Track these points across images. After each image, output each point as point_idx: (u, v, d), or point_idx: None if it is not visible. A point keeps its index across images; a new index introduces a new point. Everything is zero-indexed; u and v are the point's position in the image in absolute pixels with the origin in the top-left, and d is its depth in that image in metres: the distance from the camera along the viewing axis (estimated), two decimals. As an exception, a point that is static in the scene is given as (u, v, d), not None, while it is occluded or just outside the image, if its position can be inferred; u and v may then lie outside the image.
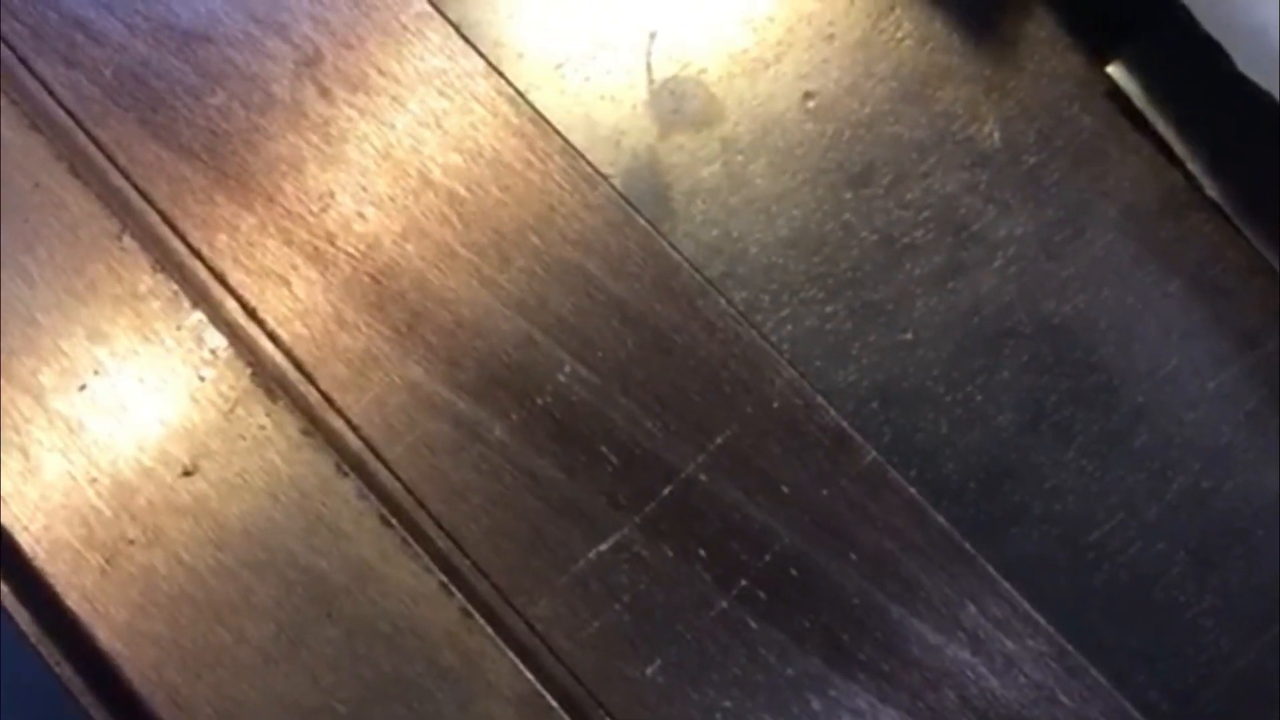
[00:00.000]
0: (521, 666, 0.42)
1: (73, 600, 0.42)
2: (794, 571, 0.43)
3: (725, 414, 0.44)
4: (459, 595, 0.42)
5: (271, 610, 0.42)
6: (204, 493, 0.43)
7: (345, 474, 0.43)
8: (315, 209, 0.45)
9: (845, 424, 0.43)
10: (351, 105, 0.46)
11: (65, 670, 0.41)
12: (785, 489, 0.44)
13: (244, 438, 0.43)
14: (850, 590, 0.43)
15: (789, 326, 0.48)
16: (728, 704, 0.42)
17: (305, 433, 0.43)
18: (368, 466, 0.43)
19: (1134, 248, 0.49)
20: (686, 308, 0.45)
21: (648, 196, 0.49)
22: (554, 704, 0.41)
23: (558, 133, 0.46)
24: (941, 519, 0.43)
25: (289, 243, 0.45)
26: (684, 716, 0.42)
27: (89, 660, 0.42)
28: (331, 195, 0.45)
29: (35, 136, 0.46)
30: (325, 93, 0.46)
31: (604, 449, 0.44)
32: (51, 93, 0.45)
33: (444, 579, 0.42)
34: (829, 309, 0.48)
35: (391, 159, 0.46)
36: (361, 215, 0.45)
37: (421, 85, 0.47)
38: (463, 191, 0.45)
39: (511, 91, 0.46)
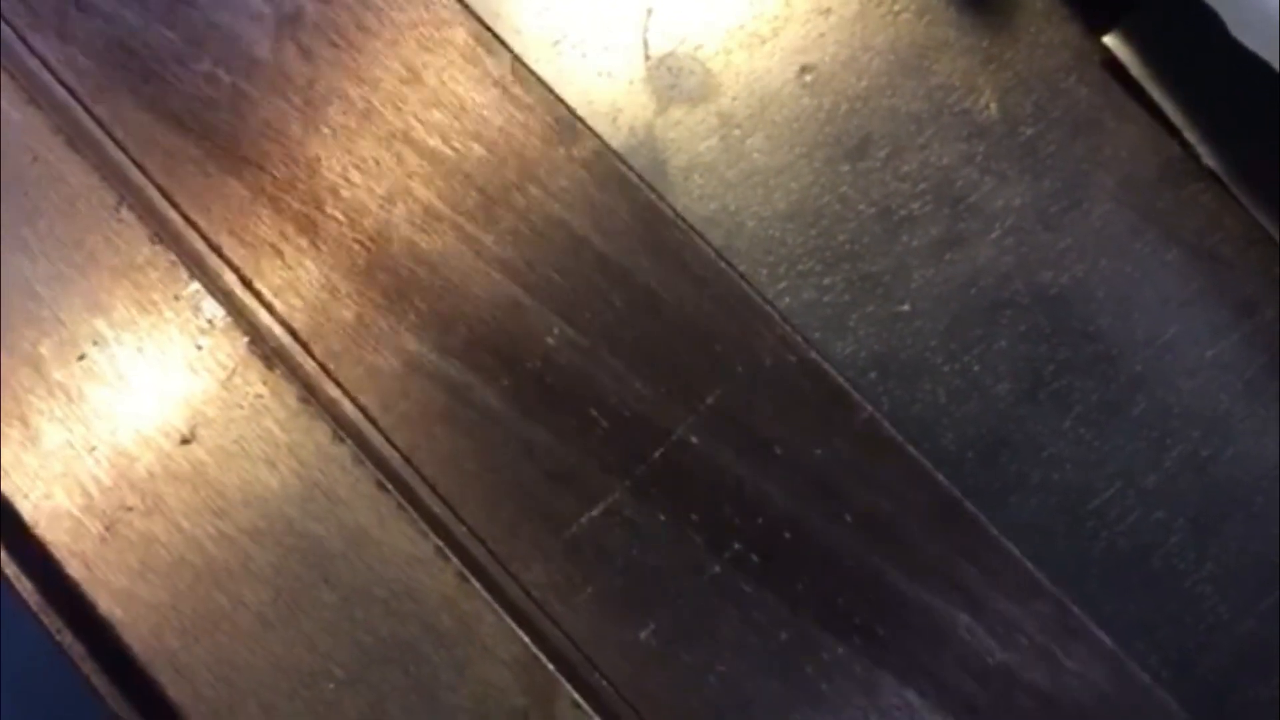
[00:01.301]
0: (517, 630, 0.42)
1: (73, 568, 0.43)
2: (787, 534, 0.43)
3: (716, 373, 0.44)
4: (455, 560, 0.42)
5: (269, 576, 0.42)
6: (202, 460, 0.43)
7: (342, 440, 0.43)
8: (303, 175, 0.45)
9: (840, 378, 0.43)
10: (333, 64, 0.46)
11: (66, 637, 0.42)
12: (778, 450, 0.44)
13: (241, 406, 0.44)
14: (844, 553, 0.43)
15: (787, 299, 0.48)
16: (722, 668, 0.42)
17: (302, 400, 0.44)
18: (364, 433, 0.44)
19: (1131, 217, 0.49)
20: (673, 262, 0.45)
21: (646, 171, 0.49)
22: (549, 666, 0.41)
23: (537, 78, 0.45)
24: (940, 476, 0.43)
25: (279, 211, 0.45)
26: (678, 679, 0.42)
27: (89, 627, 0.42)
28: (318, 160, 0.45)
29: (34, 111, 0.46)
30: (307, 53, 0.46)
31: (594, 412, 0.44)
32: (49, 68, 0.46)
33: (440, 544, 0.42)
34: (827, 281, 0.48)
35: (373, 119, 0.46)
36: (347, 179, 0.45)
37: (401, 38, 0.47)
38: (444, 149, 0.45)
39: (491, 39, 0.46)
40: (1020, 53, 0.50)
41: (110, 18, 0.47)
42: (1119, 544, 0.46)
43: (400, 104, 0.46)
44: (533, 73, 0.46)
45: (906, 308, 0.48)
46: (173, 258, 0.45)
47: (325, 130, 0.46)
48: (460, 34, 0.47)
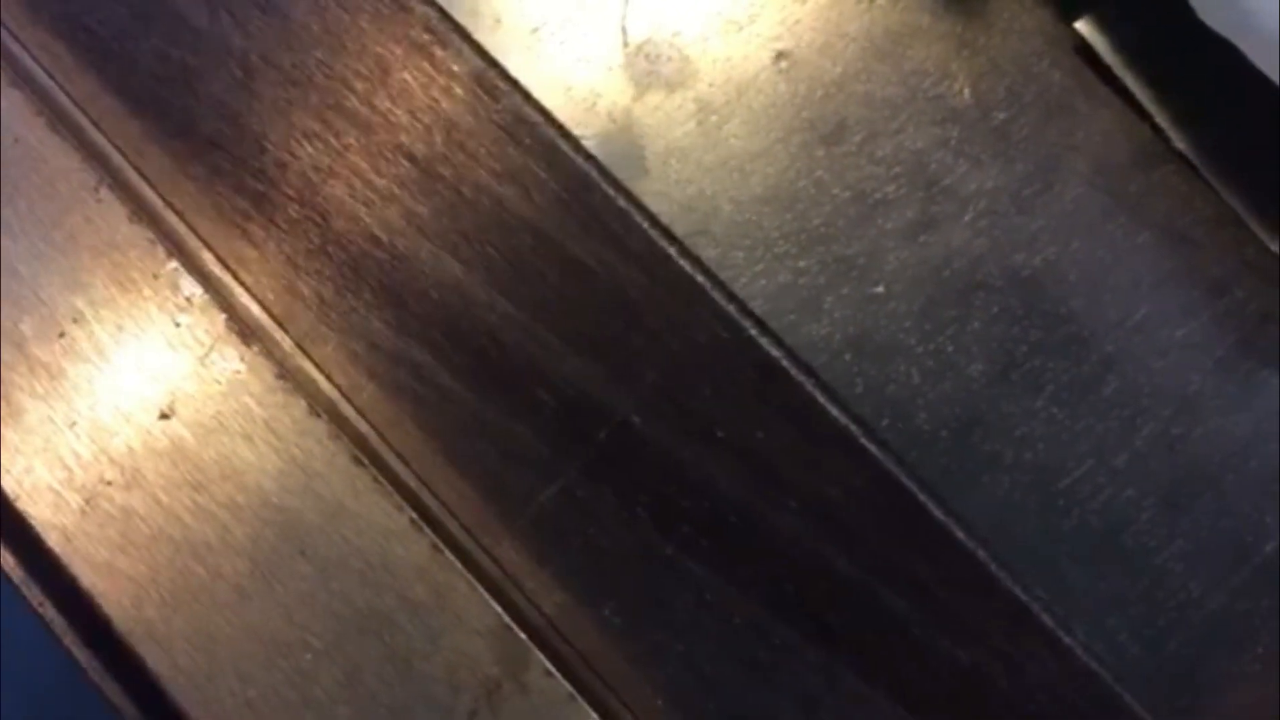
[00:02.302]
0: (491, 600, 0.42)
1: (53, 541, 0.43)
2: (733, 519, 0.43)
3: (653, 350, 0.44)
4: (429, 532, 0.43)
5: (246, 548, 0.43)
6: (180, 435, 0.44)
7: (318, 416, 0.44)
8: (253, 152, 0.46)
9: (776, 353, 0.43)
10: (263, 31, 0.46)
11: (48, 610, 0.42)
12: (719, 432, 0.44)
13: (219, 382, 0.44)
14: (790, 540, 0.43)
15: (762, 282, 0.48)
16: (680, 648, 0.43)
17: (279, 376, 0.44)
18: (339, 409, 0.44)
19: (1103, 200, 0.49)
20: (602, 232, 0.45)
21: (623, 157, 0.49)
22: (522, 636, 0.42)
23: (458, 30, 0.45)
24: (890, 465, 0.43)
25: (239, 191, 0.45)
26: (641, 657, 0.42)
27: (70, 599, 0.43)
28: (264, 135, 0.46)
29: (15, 93, 0.47)
30: (239, 22, 0.46)
31: (540, 392, 0.44)
32: (28, 51, 0.46)
33: (414, 516, 0.43)
34: (802, 264, 0.48)
35: (305, 88, 0.46)
36: (291, 153, 0.46)
37: (323, -1, 0.47)
38: (373, 117, 0.46)
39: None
40: (993, 38, 0.51)
41: (69, -3, 0.47)
42: (1090, 522, 0.46)
43: (328, 71, 0.46)
44: (455, 24, 0.45)
45: (881, 290, 0.48)
46: (151, 236, 0.45)
47: (266, 102, 0.46)
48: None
